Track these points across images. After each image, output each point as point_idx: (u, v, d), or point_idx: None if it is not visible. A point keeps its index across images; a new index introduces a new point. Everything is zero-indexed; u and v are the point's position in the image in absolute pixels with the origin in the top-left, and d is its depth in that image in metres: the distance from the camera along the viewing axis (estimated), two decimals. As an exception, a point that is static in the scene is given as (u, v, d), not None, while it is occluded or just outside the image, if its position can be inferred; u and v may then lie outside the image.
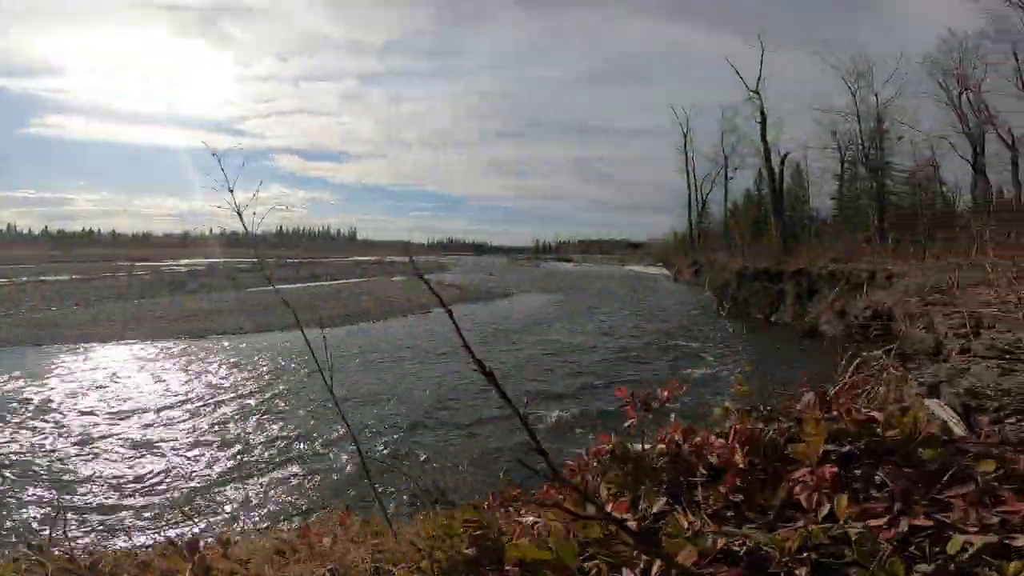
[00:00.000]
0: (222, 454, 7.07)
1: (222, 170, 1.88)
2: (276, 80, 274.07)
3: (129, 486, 6.19)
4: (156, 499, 5.89)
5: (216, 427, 8.07)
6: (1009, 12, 21.65)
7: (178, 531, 4.85)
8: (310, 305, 21.95)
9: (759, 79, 32.17)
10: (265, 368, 11.52)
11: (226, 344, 14.25)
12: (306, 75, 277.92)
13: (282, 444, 7.39)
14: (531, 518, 1.46)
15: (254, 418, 8.44)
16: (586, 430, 7.62)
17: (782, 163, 35.41)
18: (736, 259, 27.85)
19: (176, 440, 7.54)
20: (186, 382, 10.51)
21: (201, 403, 9.22)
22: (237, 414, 8.67)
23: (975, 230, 15.65)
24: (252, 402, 9.27)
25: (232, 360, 12.25)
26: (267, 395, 9.63)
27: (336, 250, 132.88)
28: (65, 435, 7.65)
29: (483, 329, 16.85)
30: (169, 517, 5.44)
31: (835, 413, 1.57)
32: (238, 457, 6.98)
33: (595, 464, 1.63)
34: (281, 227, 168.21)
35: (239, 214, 1.96)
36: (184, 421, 8.34)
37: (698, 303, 23.98)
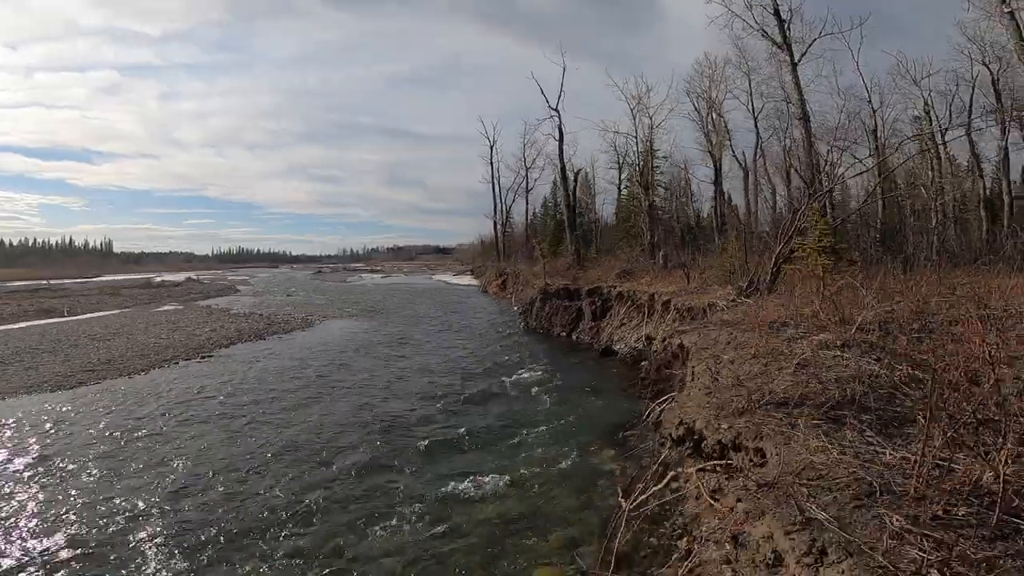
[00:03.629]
0: None
1: None
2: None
3: None
4: None
5: None
6: (752, 40, 25.96)
7: None
8: (33, 355, 16.78)
9: (559, 97, 34.55)
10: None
11: None
12: (46, 65, 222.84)
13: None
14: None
15: None
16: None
17: (575, 180, 38.77)
18: (538, 272, 29.41)
19: None
20: None
21: None
22: None
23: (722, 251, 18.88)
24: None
25: None
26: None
27: (85, 267, 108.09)
28: None
29: (267, 379, 14.63)
30: None
31: None
32: None
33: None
34: (5, 241, 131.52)
35: None
36: None
37: (507, 324, 24.58)
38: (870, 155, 23.98)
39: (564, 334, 20.66)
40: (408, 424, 10.62)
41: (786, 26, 22.82)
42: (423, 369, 15.66)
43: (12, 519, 6.87)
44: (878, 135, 25.47)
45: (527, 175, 48.21)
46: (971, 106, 24.07)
